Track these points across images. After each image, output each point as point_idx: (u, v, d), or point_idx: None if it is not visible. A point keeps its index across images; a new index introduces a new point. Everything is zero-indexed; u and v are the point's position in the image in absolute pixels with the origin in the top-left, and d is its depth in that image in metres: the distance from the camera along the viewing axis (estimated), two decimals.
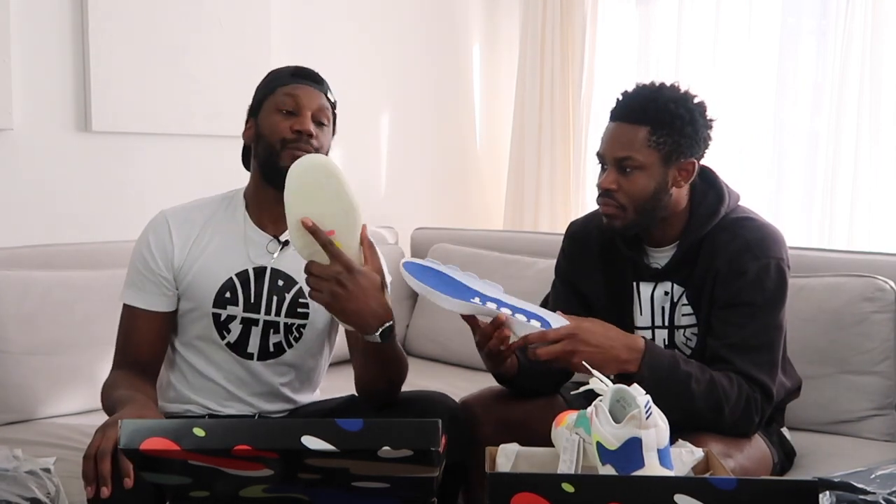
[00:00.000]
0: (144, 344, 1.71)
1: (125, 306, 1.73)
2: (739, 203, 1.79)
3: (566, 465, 1.35)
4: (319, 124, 1.70)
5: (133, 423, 1.18)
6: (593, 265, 1.86)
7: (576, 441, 1.35)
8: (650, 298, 1.78)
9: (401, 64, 3.35)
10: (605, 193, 1.71)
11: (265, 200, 1.73)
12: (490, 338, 1.57)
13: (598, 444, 1.28)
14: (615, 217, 1.71)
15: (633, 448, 1.24)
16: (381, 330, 1.54)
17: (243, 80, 2.77)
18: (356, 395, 1.84)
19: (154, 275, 1.70)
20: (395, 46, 3.33)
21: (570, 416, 1.43)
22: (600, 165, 1.75)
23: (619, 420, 1.27)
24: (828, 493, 1.42)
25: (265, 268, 1.73)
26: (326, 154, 1.73)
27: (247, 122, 1.76)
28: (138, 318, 1.71)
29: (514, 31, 3.62)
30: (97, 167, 2.58)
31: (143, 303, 1.71)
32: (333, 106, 1.75)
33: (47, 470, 1.67)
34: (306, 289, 1.70)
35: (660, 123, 1.66)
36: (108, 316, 2.26)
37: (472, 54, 3.61)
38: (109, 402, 1.59)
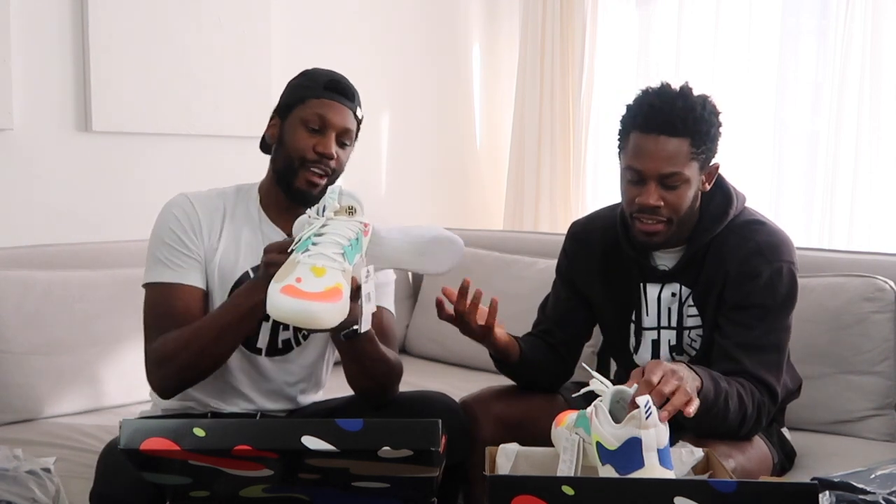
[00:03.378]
0: (184, 320, 1.62)
1: (154, 286, 1.65)
2: (746, 205, 1.79)
3: (566, 466, 1.35)
4: (342, 144, 1.70)
5: (133, 423, 1.18)
6: (595, 266, 1.85)
7: (576, 441, 1.35)
8: (657, 299, 1.78)
9: (401, 64, 3.35)
10: (649, 210, 1.64)
11: (279, 200, 1.73)
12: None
13: (598, 445, 1.27)
14: (658, 234, 1.67)
15: (632, 448, 1.24)
16: (343, 332, 1.54)
17: (243, 80, 2.80)
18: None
19: (188, 249, 1.67)
20: (396, 46, 3.33)
21: (569, 416, 1.43)
22: (630, 181, 1.67)
23: (619, 420, 1.27)
24: (828, 493, 1.42)
25: None
26: (342, 169, 1.73)
27: (272, 118, 1.74)
28: (177, 294, 1.64)
29: (514, 31, 3.61)
30: (97, 167, 2.58)
31: (180, 278, 1.65)
32: (359, 122, 1.74)
33: (47, 470, 1.67)
34: None
35: (699, 133, 1.62)
36: (108, 316, 2.27)
37: (472, 54, 3.61)
38: (190, 331, 1.58)
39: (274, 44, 2.88)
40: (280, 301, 1.33)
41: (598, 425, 1.28)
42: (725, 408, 1.54)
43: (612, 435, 1.25)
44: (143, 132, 2.64)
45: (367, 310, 1.50)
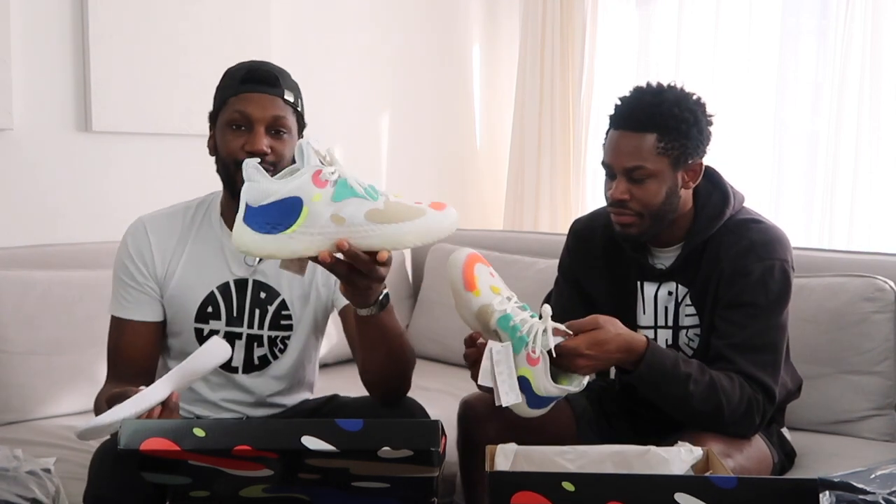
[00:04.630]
0: (135, 355, 1.65)
1: (113, 318, 1.69)
2: (744, 205, 1.79)
3: (506, 374, 1.45)
4: (277, 133, 1.60)
5: (133, 424, 1.18)
6: (597, 263, 1.85)
7: (510, 351, 1.45)
8: (653, 298, 1.78)
9: (401, 64, 3.35)
10: (618, 204, 1.69)
11: (235, 207, 1.67)
12: (475, 363, 1.55)
13: (528, 381, 1.45)
14: (631, 226, 1.69)
15: (551, 400, 1.49)
16: (378, 299, 1.46)
17: None
18: (338, 395, 1.82)
19: (138, 283, 1.66)
20: (396, 46, 3.33)
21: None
22: (607, 175, 1.73)
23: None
24: (828, 493, 1.42)
25: (246, 280, 1.68)
26: (286, 159, 1.61)
27: (209, 130, 1.69)
28: (126, 329, 1.66)
29: (514, 31, 3.61)
30: (97, 167, 2.58)
31: (130, 313, 1.66)
32: (295, 106, 1.64)
33: (47, 470, 1.66)
34: (289, 299, 1.69)
35: (666, 129, 1.64)
36: (107, 316, 2.26)
37: (472, 54, 3.61)
38: (100, 409, 1.55)
39: (274, 44, 2.88)
40: (443, 216, 1.30)
41: (542, 379, 1.45)
42: (683, 390, 1.57)
43: (546, 390, 1.45)
44: (143, 132, 2.64)
45: None
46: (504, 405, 1.45)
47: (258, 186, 1.29)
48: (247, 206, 1.29)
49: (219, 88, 1.67)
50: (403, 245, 1.30)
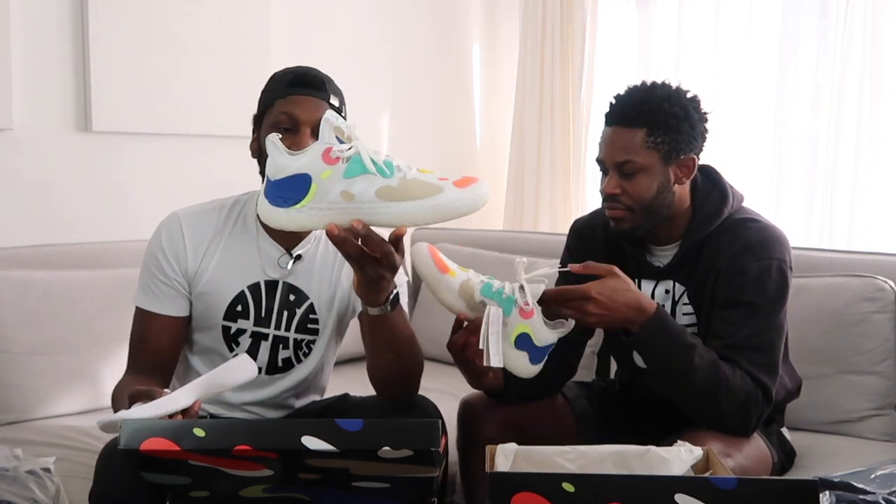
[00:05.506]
0: (158, 349, 1.65)
1: (138, 310, 1.68)
2: (743, 204, 1.79)
3: (494, 338, 1.45)
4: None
5: (133, 423, 1.18)
6: (598, 261, 1.85)
7: (500, 316, 1.46)
8: (650, 296, 1.78)
9: (401, 64, 3.36)
10: (610, 198, 1.70)
11: None
12: (463, 346, 1.55)
13: (526, 335, 1.46)
14: (624, 220, 1.71)
15: (548, 348, 1.49)
16: (388, 299, 1.48)
17: (243, 80, 2.79)
18: (348, 394, 1.82)
19: (168, 278, 1.65)
20: (396, 46, 3.33)
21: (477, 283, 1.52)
22: (601, 171, 1.74)
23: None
24: (828, 493, 1.42)
25: (277, 281, 1.68)
26: None
27: (252, 132, 1.70)
28: (152, 322, 1.65)
29: (514, 31, 3.62)
30: (97, 167, 2.58)
31: (157, 307, 1.65)
32: (339, 111, 1.67)
33: (47, 470, 1.67)
34: (317, 304, 1.70)
35: (655, 124, 1.65)
36: (108, 316, 2.27)
37: (472, 54, 3.62)
38: (120, 401, 1.55)
39: (274, 44, 2.88)
40: (466, 194, 1.29)
41: (539, 327, 1.46)
42: (688, 361, 1.57)
43: (546, 337, 1.47)
44: (143, 132, 2.64)
45: None
46: (494, 366, 1.47)
47: (274, 161, 1.34)
48: (267, 178, 1.36)
49: (265, 91, 1.69)
50: (412, 223, 1.32)
